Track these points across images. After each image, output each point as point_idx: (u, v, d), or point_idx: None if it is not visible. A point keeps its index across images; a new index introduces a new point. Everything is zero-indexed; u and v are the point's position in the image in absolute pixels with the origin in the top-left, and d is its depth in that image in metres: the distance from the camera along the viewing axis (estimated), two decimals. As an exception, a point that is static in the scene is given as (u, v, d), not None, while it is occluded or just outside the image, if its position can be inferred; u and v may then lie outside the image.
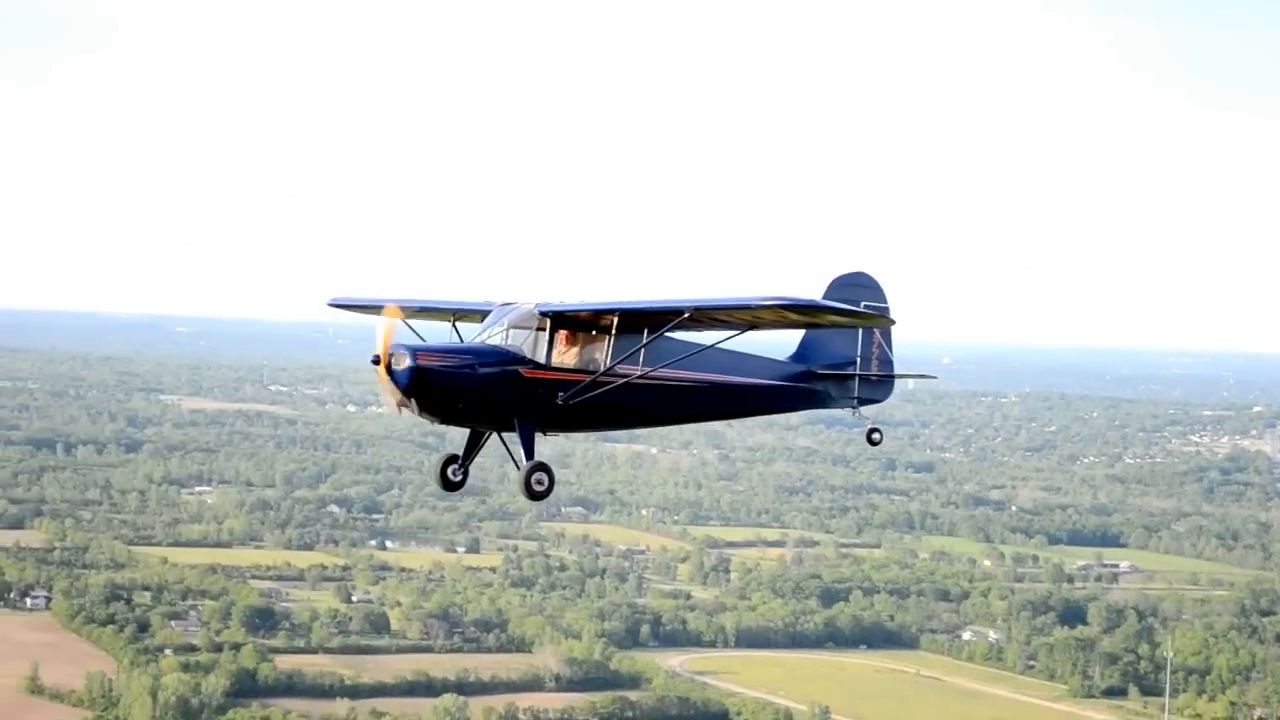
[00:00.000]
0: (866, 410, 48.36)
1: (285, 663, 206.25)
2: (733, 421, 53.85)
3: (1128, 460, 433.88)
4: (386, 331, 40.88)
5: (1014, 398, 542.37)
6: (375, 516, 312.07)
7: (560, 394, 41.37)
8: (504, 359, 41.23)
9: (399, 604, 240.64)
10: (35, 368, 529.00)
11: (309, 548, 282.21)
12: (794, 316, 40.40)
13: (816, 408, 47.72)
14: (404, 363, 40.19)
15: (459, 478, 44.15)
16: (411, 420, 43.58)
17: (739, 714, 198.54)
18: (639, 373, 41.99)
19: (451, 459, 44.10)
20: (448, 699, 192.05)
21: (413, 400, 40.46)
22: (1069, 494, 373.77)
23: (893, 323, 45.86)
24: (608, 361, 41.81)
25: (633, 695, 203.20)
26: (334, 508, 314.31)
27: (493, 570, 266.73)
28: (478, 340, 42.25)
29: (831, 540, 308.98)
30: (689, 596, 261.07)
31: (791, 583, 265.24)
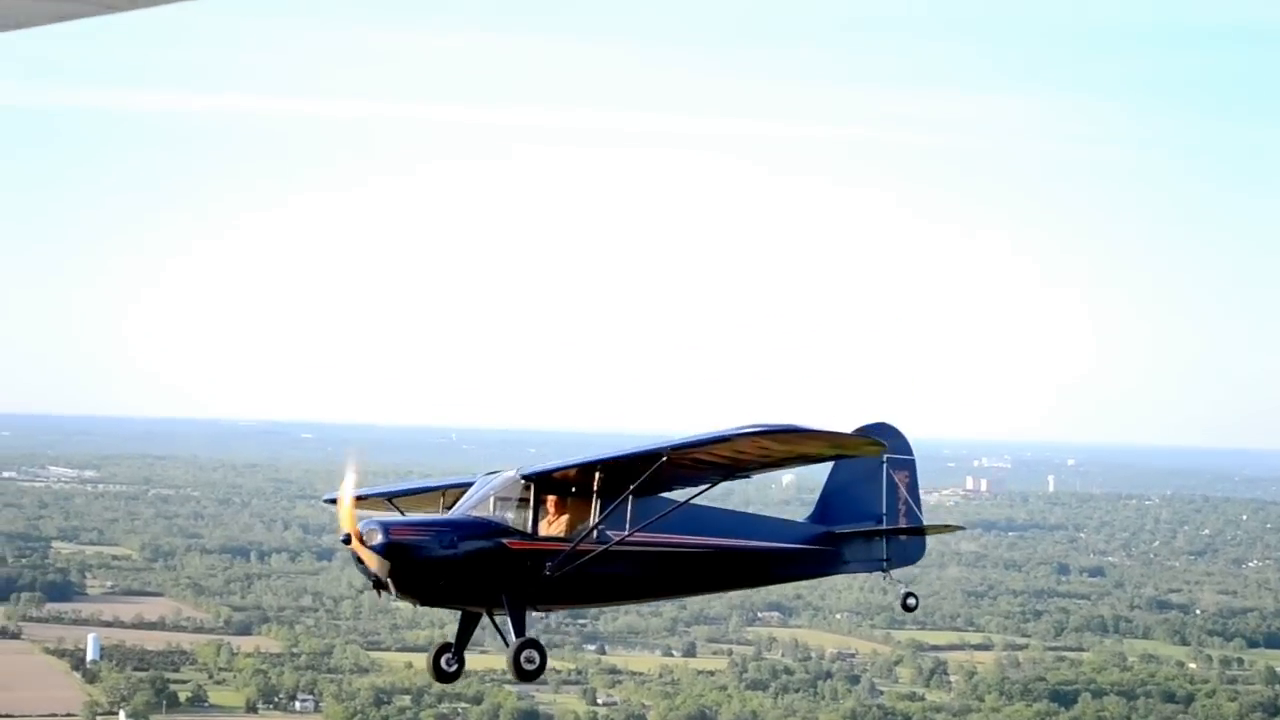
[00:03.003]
0: (898, 573, 44.08)
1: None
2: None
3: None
4: (348, 508, 38.23)
5: (1157, 500, 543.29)
6: (582, 621, 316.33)
7: (548, 564, 37.22)
8: (487, 530, 37.30)
9: (645, 705, 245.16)
10: (189, 475, 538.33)
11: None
12: (775, 446, 36.31)
13: (838, 572, 43.58)
14: (376, 539, 36.43)
15: (453, 667, 39.67)
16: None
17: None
18: (633, 535, 37.81)
19: (445, 647, 39.72)
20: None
21: (390, 580, 36.77)
22: (1247, 597, 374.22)
23: (883, 448, 40.75)
24: (594, 523, 37.73)
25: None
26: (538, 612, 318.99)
27: (721, 673, 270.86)
28: (459, 513, 38.29)
29: (1037, 644, 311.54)
30: (922, 698, 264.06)
31: (1019, 685, 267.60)
